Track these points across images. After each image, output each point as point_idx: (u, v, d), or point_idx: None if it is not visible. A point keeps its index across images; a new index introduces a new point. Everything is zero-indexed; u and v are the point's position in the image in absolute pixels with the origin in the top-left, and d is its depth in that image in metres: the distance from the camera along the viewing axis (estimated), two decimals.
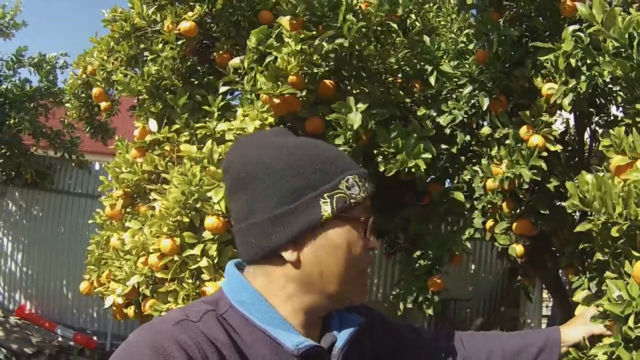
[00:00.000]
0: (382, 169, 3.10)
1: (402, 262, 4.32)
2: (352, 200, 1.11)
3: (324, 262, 1.10)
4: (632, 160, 2.21)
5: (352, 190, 1.11)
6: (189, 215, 2.99)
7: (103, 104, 4.64)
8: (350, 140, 3.19)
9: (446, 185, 4.29)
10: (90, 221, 3.87)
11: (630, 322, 1.90)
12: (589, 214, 2.14)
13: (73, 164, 8.56)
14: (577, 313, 2.16)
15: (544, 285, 6.77)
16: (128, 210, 3.60)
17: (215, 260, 2.94)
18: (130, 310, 3.29)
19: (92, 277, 3.67)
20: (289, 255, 1.09)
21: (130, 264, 3.14)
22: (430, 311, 4.11)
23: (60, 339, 8.30)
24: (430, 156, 3.08)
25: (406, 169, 3.10)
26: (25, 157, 8.16)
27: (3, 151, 8.04)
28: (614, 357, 1.94)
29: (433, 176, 4.28)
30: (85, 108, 5.34)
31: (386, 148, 3.06)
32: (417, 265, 4.20)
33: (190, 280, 2.92)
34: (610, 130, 2.44)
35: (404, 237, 4.96)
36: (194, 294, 2.88)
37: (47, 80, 8.05)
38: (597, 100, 4.00)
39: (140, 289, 3.09)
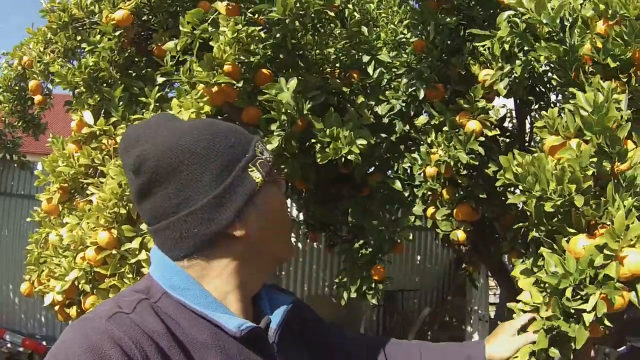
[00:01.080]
0: (319, 161, 3.05)
1: (344, 252, 4.29)
2: (269, 163, 1.14)
3: (267, 227, 1.11)
4: (565, 140, 2.22)
5: (265, 154, 1.14)
6: (127, 207, 2.88)
7: (37, 98, 4.53)
8: (285, 124, 3.13)
9: (387, 174, 4.27)
10: (28, 219, 3.70)
11: (568, 294, 1.90)
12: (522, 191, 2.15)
13: (15, 165, 8.25)
14: (516, 307, 2.10)
15: (489, 272, 6.87)
16: (66, 205, 3.46)
17: None
18: (72, 310, 3.16)
19: (32, 277, 3.51)
20: (238, 231, 1.07)
21: (69, 260, 3.01)
22: (374, 300, 4.10)
23: (9, 345, 8.00)
24: (364, 142, 3.04)
25: (342, 158, 3.04)
26: None
27: None
28: (553, 330, 1.93)
29: (373, 167, 4.27)
30: (18, 101, 5.12)
31: (321, 137, 3.00)
32: (360, 254, 4.19)
33: (130, 275, 2.82)
34: (544, 112, 2.45)
35: (347, 229, 4.96)
36: None
37: None
38: (536, 87, 4.04)
39: (80, 286, 2.97)
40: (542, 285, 2.01)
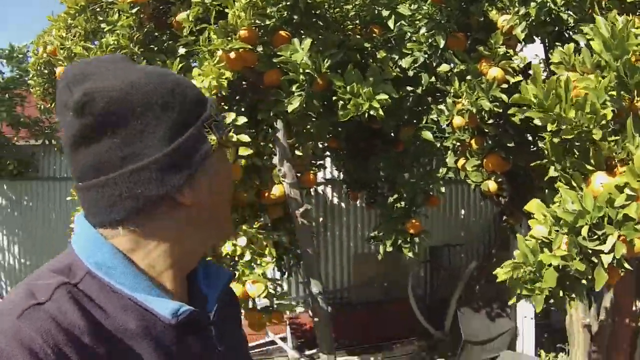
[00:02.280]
0: (341, 118, 3.08)
1: (379, 207, 4.34)
2: (223, 126, 1.02)
3: (215, 195, 1.00)
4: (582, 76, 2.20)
5: (218, 117, 1.02)
6: None
7: None
8: (304, 84, 3.16)
9: (417, 127, 4.27)
10: (68, 198, 3.83)
11: (584, 233, 1.90)
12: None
13: (55, 150, 8.50)
14: None
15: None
16: None
17: None
18: None
19: None
20: (186, 198, 0.94)
21: None
22: (410, 254, 4.14)
23: None
24: (385, 97, 3.04)
25: (365, 114, 3.06)
26: (6, 148, 8.07)
27: None
28: (567, 269, 1.94)
29: (401, 122, 4.27)
30: (49, 84, 5.24)
31: (342, 94, 3.03)
32: (394, 208, 4.22)
33: None
34: (559, 48, 2.42)
35: (386, 185, 5.01)
36: None
37: (18, 69, 7.96)
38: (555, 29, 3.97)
39: None
40: (557, 222, 2.00)
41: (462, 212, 9.02)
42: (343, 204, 8.36)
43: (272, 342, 6.84)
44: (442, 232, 8.70)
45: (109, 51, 3.81)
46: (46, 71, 5.12)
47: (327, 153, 5.12)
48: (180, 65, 3.57)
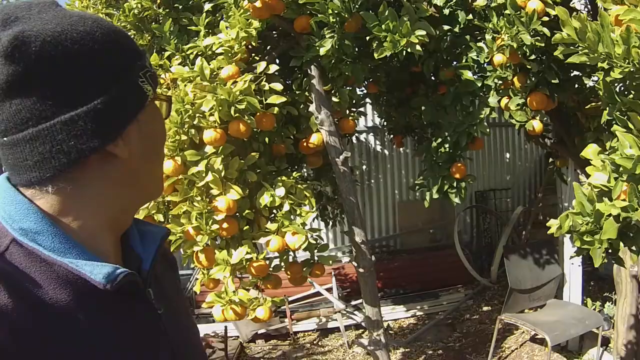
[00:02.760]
0: (377, 55, 2.96)
1: (423, 152, 4.22)
2: (157, 78, 0.99)
3: (147, 150, 0.95)
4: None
5: (152, 69, 0.96)
6: (188, 133, 2.92)
7: None
8: (335, 25, 3.04)
9: (457, 67, 4.13)
10: None
11: None
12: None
13: None
14: None
15: (576, 166, 6.62)
16: None
17: (222, 174, 2.88)
18: None
19: None
20: (120, 150, 0.89)
21: None
22: (457, 199, 4.04)
23: None
24: (424, 33, 2.91)
25: (403, 51, 2.93)
26: None
27: None
28: (628, 220, 1.81)
29: (440, 63, 4.13)
30: None
31: (377, 31, 2.90)
32: (438, 153, 4.11)
33: (199, 198, 2.88)
34: None
35: (429, 131, 4.91)
36: (206, 211, 2.84)
37: None
38: None
39: (155, 216, 3.07)
40: (617, 168, 1.87)
41: (507, 155, 8.82)
42: (387, 152, 8.25)
43: (318, 294, 6.83)
44: (488, 176, 8.56)
45: (132, 15, 3.79)
46: None
47: (368, 100, 5.02)
48: (207, 20, 3.50)
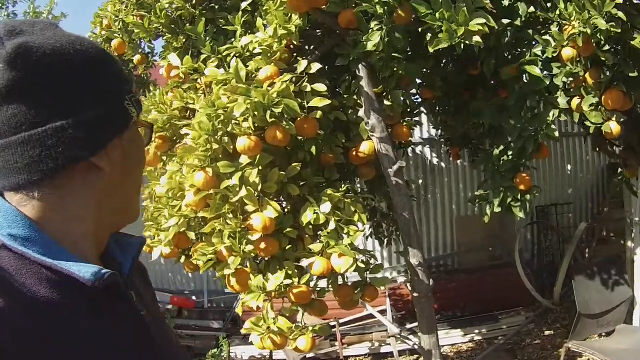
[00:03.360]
0: (431, 48, 2.56)
1: (484, 162, 3.80)
2: (141, 105, 1.04)
3: (128, 170, 1.01)
4: None
5: (138, 96, 1.08)
6: (221, 141, 2.56)
7: (136, 58, 4.46)
8: (384, 17, 2.66)
9: (520, 64, 3.71)
10: None
11: None
12: None
13: None
14: None
15: None
16: (169, 153, 3.22)
17: (259, 188, 2.51)
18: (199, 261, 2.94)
19: (152, 234, 3.35)
20: (102, 162, 0.94)
21: (169, 209, 2.77)
22: (521, 214, 3.63)
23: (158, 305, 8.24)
24: (482, 22, 2.50)
25: (461, 44, 2.52)
26: None
27: None
28: None
29: (502, 62, 3.72)
30: (122, 66, 5.09)
31: (431, 21, 2.50)
32: (501, 162, 3.70)
33: (231, 216, 2.51)
34: None
35: (489, 141, 4.53)
36: (240, 229, 2.47)
37: None
38: None
39: (187, 234, 2.72)
40: None
41: (569, 167, 8.23)
42: (443, 164, 7.80)
43: (371, 316, 6.38)
44: (549, 190, 7.97)
45: (164, 16, 3.54)
46: (116, 53, 4.99)
47: (423, 110, 4.63)
48: (244, 19, 3.18)
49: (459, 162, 7.43)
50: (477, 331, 6.43)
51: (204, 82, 3.08)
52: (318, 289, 2.71)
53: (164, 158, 3.20)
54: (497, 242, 7.60)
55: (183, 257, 2.94)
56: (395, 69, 2.98)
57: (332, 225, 2.54)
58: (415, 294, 3.11)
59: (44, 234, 0.90)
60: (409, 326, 6.41)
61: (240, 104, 2.45)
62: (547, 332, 6.29)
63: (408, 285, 3.19)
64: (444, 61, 4.31)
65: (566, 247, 7.07)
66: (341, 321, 6.34)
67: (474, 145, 5.10)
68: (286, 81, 2.53)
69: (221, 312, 7.91)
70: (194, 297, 8.35)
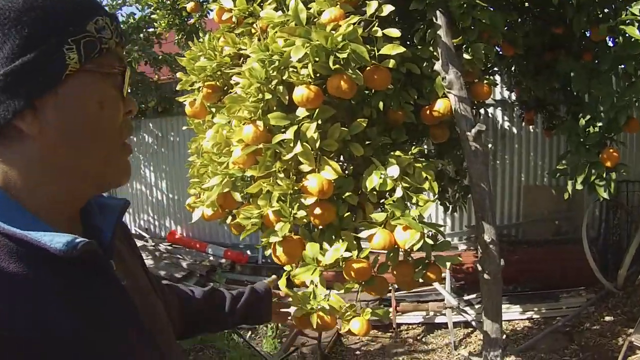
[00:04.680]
0: None
1: (566, 131, 3.34)
2: (103, 46, 0.87)
3: (74, 130, 0.86)
4: None
5: (103, 34, 0.87)
6: (275, 90, 2.16)
7: (189, 5, 4.22)
8: None
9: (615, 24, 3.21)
10: (184, 127, 3.16)
11: None
12: None
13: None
14: None
15: None
16: (219, 105, 2.84)
17: (317, 145, 2.11)
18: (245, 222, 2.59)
19: (197, 191, 3.01)
20: (27, 125, 0.82)
21: (214, 166, 2.41)
22: (605, 194, 3.20)
23: (211, 257, 8.09)
24: None
25: None
26: (147, 87, 7.79)
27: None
28: None
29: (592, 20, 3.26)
30: (173, 15, 4.84)
31: None
32: (587, 133, 3.25)
33: (282, 175, 2.13)
34: None
35: (566, 107, 4.07)
36: (292, 192, 2.09)
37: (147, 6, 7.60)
38: None
39: (232, 194, 2.36)
40: None
41: None
42: (515, 129, 7.26)
43: (426, 283, 5.96)
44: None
45: None
46: (169, 2, 4.92)
47: (495, 69, 4.16)
48: None
49: (530, 128, 6.92)
50: (535, 309, 5.96)
51: (259, 26, 2.68)
52: (378, 264, 2.32)
53: (213, 110, 2.82)
54: (564, 216, 7.06)
55: (229, 218, 2.58)
56: (477, 18, 2.53)
57: (399, 193, 2.13)
58: (485, 275, 2.70)
59: (9, 198, 0.84)
60: (466, 297, 6.00)
61: (299, 48, 2.04)
62: (607, 318, 5.76)
63: (477, 266, 2.76)
64: (525, 17, 3.85)
65: (634, 227, 6.51)
66: (396, 286, 5.99)
67: (549, 110, 4.65)
68: (353, 23, 2.11)
69: (275, 268, 7.66)
70: (248, 252, 8.11)
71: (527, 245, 6.87)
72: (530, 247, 6.79)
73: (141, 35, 7.53)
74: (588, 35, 3.67)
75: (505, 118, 7.28)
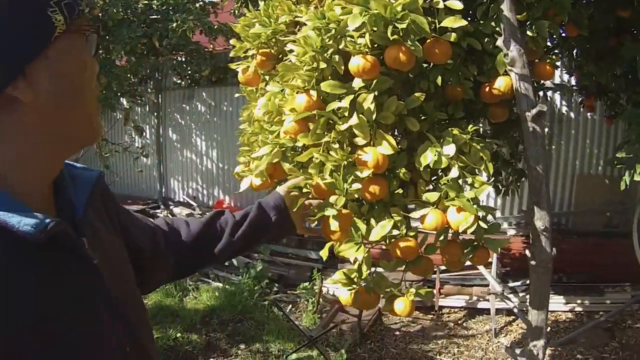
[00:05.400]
0: None
1: (629, 118, 3.17)
2: (79, 8, 0.87)
3: (63, 93, 0.86)
4: None
5: None
6: (330, 59, 2.07)
7: None
8: None
9: None
10: (236, 95, 3.10)
11: None
12: None
13: None
14: None
15: None
16: (272, 73, 2.77)
17: (373, 117, 2.01)
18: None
19: (246, 159, 2.95)
20: (21, 93, 0.81)
21: (264, 135, 2.34)
22: None
23: None
24: None
25: None
26: (201, 56, 7.76)
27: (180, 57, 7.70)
28: None
29: None
30: None
31: None
32: None
33: (336, 146, 2.05)
34: None
35: (629, 93, 3.89)
36: (346, 163, 2.01)
37: None
38: None
39: (282, 164, 2.29)
40: None
41: None
42: (572, 115, 7.02)
43: (473, 267, 5.82)
44: None
45: None
46: None
47: (557, 51, 3.98)
48: None
49: (589, 114, 6.70)
50: (579, 301, 5.79)
51: None
52: (425, 244, 2.23)
53: (266, 78, 2.75)
54: (617, 208, 6.80)
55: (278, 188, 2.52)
56: None
57: (454, 172, 2.02)
58: (533, 262, 2.58)
59: None
60: (511, 284, 5.86)
61: (356, 16, 1.94)
62: None
63: (527, 252, 2.64)
64: None
65: None
66: (442, 268, 5.88)
67: (610, 98, 4.45)
68: None
69: (320, 242, 7.61)
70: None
71: (576, 235, 6.66)
72: (579, 237, 6.57)
73: (197, 4, 7.48)
74: None
75: (564, 103, 7.04)
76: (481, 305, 5.83)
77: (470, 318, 5.82)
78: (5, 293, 0.77)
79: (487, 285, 5.65)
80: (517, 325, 5.53)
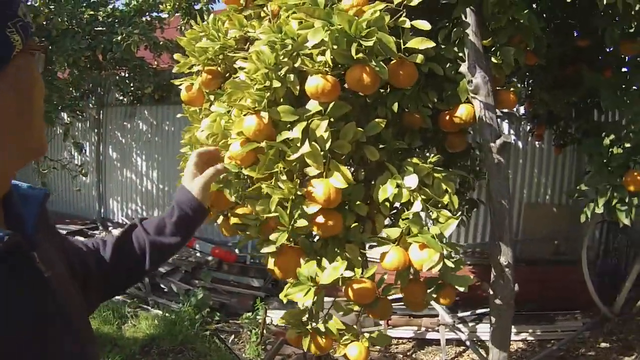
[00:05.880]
0: None
1: (588, 150, 3.13)
2: (30, 29, 0.91)
3: (18, 107, 0.89)
4: None
5: (27, 18, 0.90)
6: (284, 78, 1.88)
7: None
8: None
9: None
10: (178, 115, 2.87)
11: None
12: None
13: None
14: None
15: None
16: (218, 92, 2.55)
17: (327, 145, 1.82)
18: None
19: None
20: None
21: None
22: (626, 220, 3.02)
23: (198, 254, 7.80)
24: None
25: None
26: (146, 73, 7.47)
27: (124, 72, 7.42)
28: None
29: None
30: None
31: None
32: (610, 154, 3.05)
33: (284, 178, 1.84)
34: None
35: (580, 122, 3.91)
36: (294, 197, 1.81)
37: None
38: None
39: (226, 194, 2.07)
40: None
41: None
42: (520, 144, 7.04)
43: None
44: None
45: None
46: None
47: (514, 79, 3.93)
48: None
49: (537, 143, 6.74)
50: (530, 330, 5.72)
51: (272, 8, 2.39)
52: (383, 285, 2.04)
53: (212, 97, 2.54)
54: (564, 236, 6.82)
55: (220, 218, 2.30)
56: (514, 18, 2.26)
57: (417, 206, 1.84)
58: (497, 300, 2.43)
59: None
60: (460, 314, 5.75)
61: (318, 30, 1.75)
62: (602, 345, 5.53)
63: (489, 291, 2.49)
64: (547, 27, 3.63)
65: (635, 251, 6.28)
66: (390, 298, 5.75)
67: (560, 127, 4.45)
68: (380, 10, 1.83)
69: (264, 270, 7.35)
70: (236, 250, 7.80)
71: (524, 263, 6.62)
72: (527, 265, 6.53)
73: (143, 18, 7.20)
74: (609, 50, 3.48)
75: (512, 131, 7.04)
76: (430, 335, 5.69)
77: (420, 349, 5.67)
78: None
79: (437, 316, 5.52)
80: (468, 356, 5.41)
